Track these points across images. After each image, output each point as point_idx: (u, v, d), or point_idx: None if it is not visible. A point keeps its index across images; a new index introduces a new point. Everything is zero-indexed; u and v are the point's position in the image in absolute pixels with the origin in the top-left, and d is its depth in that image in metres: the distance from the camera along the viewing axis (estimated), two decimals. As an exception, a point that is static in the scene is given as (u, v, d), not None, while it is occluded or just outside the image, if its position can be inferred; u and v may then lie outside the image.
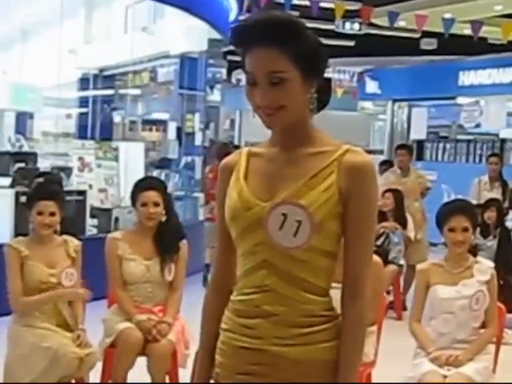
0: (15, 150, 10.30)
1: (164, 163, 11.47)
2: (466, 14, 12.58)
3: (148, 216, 4.25)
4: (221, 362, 2.03)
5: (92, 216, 7.74)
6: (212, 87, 13.96)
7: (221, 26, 10.68)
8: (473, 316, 3.89)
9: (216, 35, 11.09)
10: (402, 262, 7.36)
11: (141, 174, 7.47)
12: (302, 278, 1.93)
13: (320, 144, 1.98)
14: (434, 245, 8.18)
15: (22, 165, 7.90)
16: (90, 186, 8.02)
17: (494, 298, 3.94)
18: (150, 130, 14.82)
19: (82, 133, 12.77)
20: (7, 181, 7.24)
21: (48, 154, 10.65)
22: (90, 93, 13.68)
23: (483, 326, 3.94)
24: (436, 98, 14.19)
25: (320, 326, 1.94)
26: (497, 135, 13.62)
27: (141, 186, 4.35)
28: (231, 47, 2.05)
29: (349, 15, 12.55)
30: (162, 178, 9.07)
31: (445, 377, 3.75)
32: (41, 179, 6.33)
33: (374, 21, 13.05)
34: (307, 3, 11.28)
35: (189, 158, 11.57)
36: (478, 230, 6.45)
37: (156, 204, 4.25)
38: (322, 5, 11.48)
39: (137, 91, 14.09)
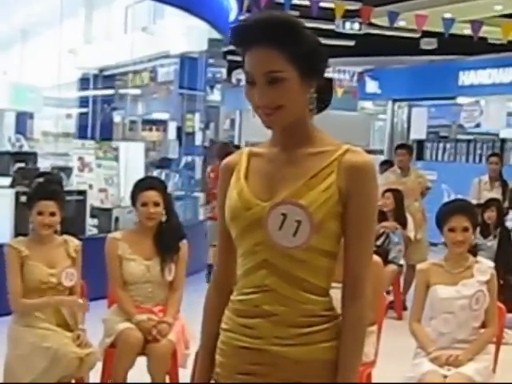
0: (15, 149, 10.29)
1: (164, 163, 11.47)
2: (466, 13, 12.58)
3: (148, 216, 4.25)
4: (221, 362, 2.03)
5: (92, 216, 7.74)
6: (212, 87, 13.96)
7: (221, 26, 10.68)
8: (473, 316, 3.89)
9: (216, 35, 11.09)
10: (402, 261, 7.36)
11: (141, 174, 7.47)
12: (301, 277, 1.93)
13: (320, 144, 1.98)
14: (434, 245, 8.19)
15: (22, 165, 7.90)
16: (90, 186, 8.01)
17: (494, 297, 3.94)
18: (150, 129, 14.83)
19: (82, 133, 12.76)
20: (7, 181, 7.24)
21: (48, 153, 10.65)
22: (90, 93, 13.68)
23: (483, 325, 3.94)
24: (436, 98, 14.18)
25: (320, 326, 1.94)
26: (497, 135, 13.62)
27: (141, 186, 4.35)
28: (231, 47, 2.06)
29: (349, 15, 12.55)
30: (162, 177, 9.06)
31: (445, 377, 3.75)
32: (41, 179, 6.33)
33: (374, 21, 13.05)
34: (307, 3, 11.28)
35: (189, 158, 11.58)
36: (478, 229, 6.45)
37: (156, 204, 4.25)
38: (322, 4, 11.48)
39: (137, 91, 14.09)
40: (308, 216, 1.88)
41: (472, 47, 12.98)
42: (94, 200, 7.86)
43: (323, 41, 1.95)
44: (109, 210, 7.91)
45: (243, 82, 1.97)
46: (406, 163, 8.30)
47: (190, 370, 3.88)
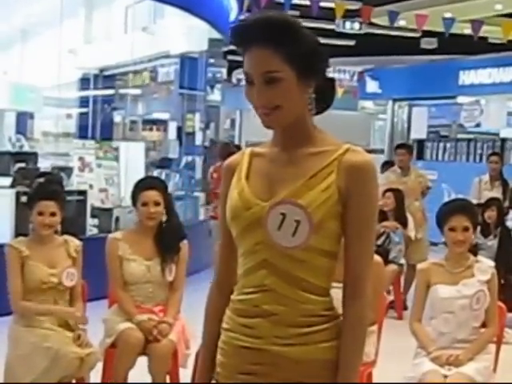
0: (16, 149, 10.30)
1: (164, 163, 11.47)
2: (466, 13, 12.58)
3: (149, 216, 4.25)
4: (222, 362, 2.03)
5: (92, 216, 7.74)
6: (212, 87, 13.95)
7: (221, 26, 10.68)
8: (473, 315, 3.89)
9: (216, 35, 11.09)
10: (402, 261, 7.37)
11: (141, 174, 7.48)
12: (301, 277, 1.93)
13: (321, 144, 1.98)
14: (435, 244, 8.19)
15: (23, 165, 7.90)
16: (91, 186, 8.02)
17: (494, 297, 3.94)
18: (151, 129, 14.81)
19: (82, 133, 12.75)
20: (8, 181, 7.24)
21: (48, 153, 10.65)
22: (91, 93, 13.67)
23: (484, 325, 3.93)
24: (436, 98, 14.18)
25: (320, 326, 1.94)
26: (497, 134, 13.63)
27: (141, 186, 4.35)
28: (231, 47, 2.07)
29: (349, 15, 12.55)
30: (163, 177, 9.06)
31: (445, 376, 3.74)
32: (41, 179, 6.34)
33: (374, 20, 13.06)
34: (307, 3, 11.28)
35: (189, 158, 11.58)
36: (479, 229, 6.45)
37: (157, 203, 4.25)
38: (322, 4, 11.48)
39: (137, 91, 14.09)
40: (307, 216, 1.88)
41: (472, 47, 12.97)
42: (94, 200, 7.86)
43: (323, 40, 1.96)
44: (109, 210, 7.91)
45: (243, 82, 1.97)
46: (406, 163, 8.30)
47: (191, 369, 3.89)
